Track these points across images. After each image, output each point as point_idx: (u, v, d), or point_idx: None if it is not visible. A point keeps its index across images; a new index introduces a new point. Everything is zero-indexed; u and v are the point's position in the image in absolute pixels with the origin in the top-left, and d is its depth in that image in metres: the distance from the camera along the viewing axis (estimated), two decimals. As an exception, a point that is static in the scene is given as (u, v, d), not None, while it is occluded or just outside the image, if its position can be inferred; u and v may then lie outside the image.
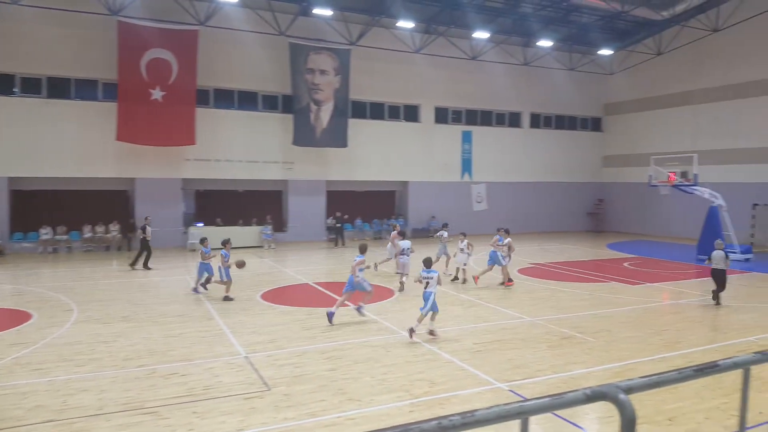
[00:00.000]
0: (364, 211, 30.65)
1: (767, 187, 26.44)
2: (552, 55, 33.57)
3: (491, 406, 1.99)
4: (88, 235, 24.35)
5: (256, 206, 27.81)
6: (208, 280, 14.78)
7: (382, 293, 15.18)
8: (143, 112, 24.18)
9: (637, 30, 32.09)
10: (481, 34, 29.09)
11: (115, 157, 24.57)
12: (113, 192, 25.71)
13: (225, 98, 27.19)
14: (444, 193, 31.77)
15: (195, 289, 14.93)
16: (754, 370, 2.80)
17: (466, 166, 32.88)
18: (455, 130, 32.55)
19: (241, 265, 14.11)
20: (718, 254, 14.17)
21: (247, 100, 27.63)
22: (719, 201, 22.58)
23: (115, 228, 24.76)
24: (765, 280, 15.60)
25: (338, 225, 27.42)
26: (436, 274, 11.02)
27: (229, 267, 14.12)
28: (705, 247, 22.13)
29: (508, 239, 16.64)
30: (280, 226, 28.30)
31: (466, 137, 32.75)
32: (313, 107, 27.84)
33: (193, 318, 12.29)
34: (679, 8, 27.95)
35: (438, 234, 19.20)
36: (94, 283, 16.77)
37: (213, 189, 27.53)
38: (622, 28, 32.07)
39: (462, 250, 16.60)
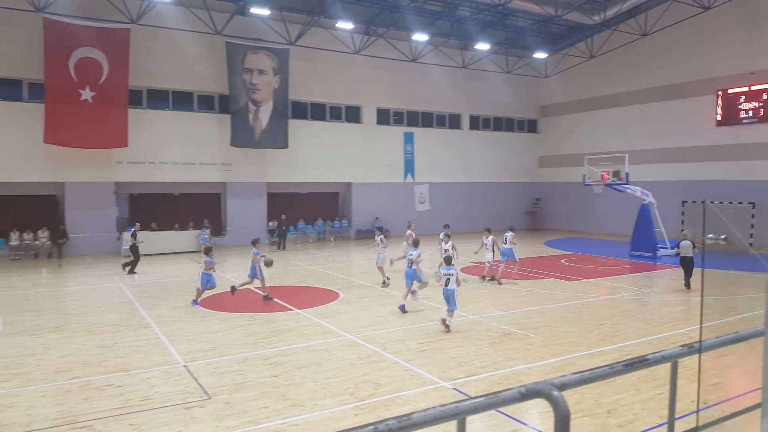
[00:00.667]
0: (307, 213, 30.40)
1: (696, 185, 27.83)
2: (489, 58, 34.30)
3: (427, 409, 1.98)
4: (15, 242, 23.06)
5: (193, 209, 27.02)
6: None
7: (325, 296, 15.07)
8: (72, 114, 23.11)
9: (570, 34, 33.21)
10: (420, 37, 29.41)
11: (42, 161, 23.37)
12: (41, 197, 24.47)
13: (159, 99, 26.28)
14: (387, 194, 31.91)
15: (195, 301, 14.07)
16: (688, 360, 2.90)
17: (409, 167, 33.13)
18: (397, 132, 32.75)
19: (269, 263, 14.48)
20: (686, 244, 15.62)
21: (182, 100, 26.82)
22: (650, 199, 23.60)
23: (44, 235, 23.58)
24: (694, 274, 16.40)
25: (282, 228, 27.08)
26: (455, 271, 11.53)
27: (259, 264, 14.30)
28: (638, 243, 23.22)
29: (491, 237, 17.38)
30: (218, 229, 27.65)
31: (408, 138, 33.01)
32: (252, 107, 27.35)
33: (129, 327, 11.81)
34: (610, 13, 29.08)
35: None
36: (23, 293, 15.97)
37: (147, 192, 26.57)
38: (556, 32, 33.12)
39: (485, 245, 17.12)
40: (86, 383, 8.33)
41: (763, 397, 2.81)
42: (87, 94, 23.53)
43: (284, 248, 26.49)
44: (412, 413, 1.94)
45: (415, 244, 14.41)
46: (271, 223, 28.13)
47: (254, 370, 8.93)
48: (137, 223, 20.92)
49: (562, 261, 22.02)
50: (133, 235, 19.62)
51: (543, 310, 13.37)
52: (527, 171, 38.00)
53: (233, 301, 14.40)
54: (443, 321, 11.35)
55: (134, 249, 19.46)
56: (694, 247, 15.64)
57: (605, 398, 7.54)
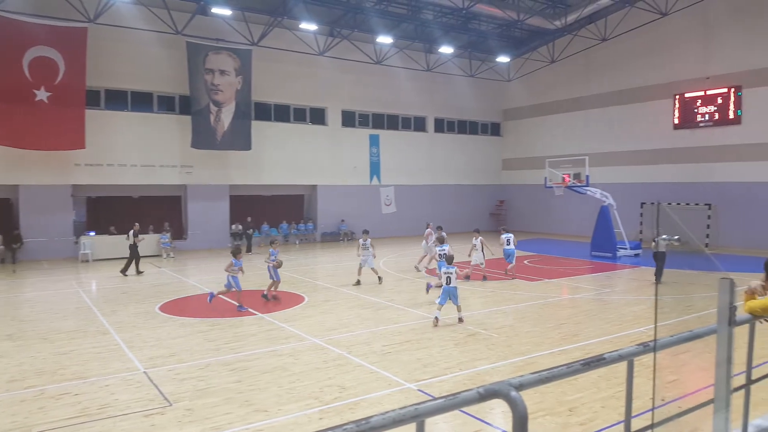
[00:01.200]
0: (271, 215, 30.09)
1: (654, 187, 28.59)
2: (453, 61, 34.61)
3: (386, 411, 1.96)
4: (-35, 248, 22.24)
5: (153, 213, 26.43)
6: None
7: (290, 300, 14.94)
8: (27, 114, 22.36)
9: (532, 38, 33.76)
10: (385, 39, 29.45)
11: (-6, 163, 22.61)
12: (-6, 201, 23.64)
13: (117, 99, 25.67)
14: (353, 197, 31.85)
15: (240, 306, 13.75)
16: (647, 358, 2.95)
17: (375, 169, 33.15)
18: (362, 134, 32.73)
19: (279, 264, 14.56)
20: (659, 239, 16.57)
21: (141, 101, 26.23)
22: (609, 200, 24.15)
23: (-4, 239, 22.80)
24: (653, 273, 16.84)
25: (247, 231, 26.74)
26: (455, 270, 12.27)
27: (276, 266, 14.39)
28: (598, 244, 23.73)
29: (480, 238, 17.92)
30: (179, 233, 27.13)
31: (374, 141, 33.03)
32: (213, 108, 26.91)
33: (87, 333, 11.48)
34: (571, 18, 29.66)
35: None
36: (-28, 301, 15.35)
37: (106, 195, 25.91)
38: (518, 36, 33.62)
39: (475, 246, 17.42)
40: (41, 392, 8.05)
41: (715, 394, 2.88)
42: (42, 95, 22.82)
43: (250, 251, 26.14)
44: (371, 417, 1.92)
45: (441, 241, 15.17)
46: (234, 226, 27.74)
47: (217, 376, 8.78)
48: (136, 223, 20.71)
49: (525, 262, 22.32)
50: (135, 234, 19.75)
51: (506, 310, 13.53)
52: (491, 173, 38.48)
53: (195, 306, 14.13)
54: (460, 320, 12.11)
55: (133, 248, 19.58)
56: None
57: (567, 396, 7.65)
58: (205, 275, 19.62)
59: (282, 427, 6.89)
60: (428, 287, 14.33)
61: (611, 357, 2.69)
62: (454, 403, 2.10)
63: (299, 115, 30.77)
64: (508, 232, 18.62)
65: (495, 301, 14.69)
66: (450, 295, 12.02)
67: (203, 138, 26.73)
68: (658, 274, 16.71)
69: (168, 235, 25.28)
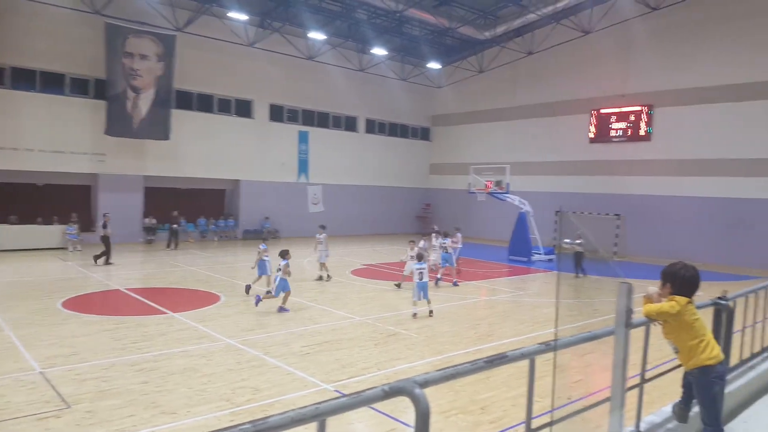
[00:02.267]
0: (189, 210, 28.75)
1: (569, 196, 29.82)
2: (386, 63, 34.80)
3: (285, 411, 1.88)
4: None
5: (60, 202, 24.74)
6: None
7: (204, 299, 14.46)
8: None
9: (462, 47, 34.47)
10: (317, 35, 29.15)
11: None
12: None
13: (25, 79, 23.75)
14: (279, 194, 31.29)
15: (281, 308, 13.11)
16: (559, 358, 3.03)
17: (303, 166, 32.74)
18: (291, 130, 32.24)
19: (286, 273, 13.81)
20: (578, 242, 19.59)
21: (52, 82, 24.41)
22: (527, 208, 25.12)
23: None
24: (565, 278, 17.62)
25: (173, 226, 25.70)
26: (426, 265, 13.22)
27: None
28: (516, 249, 24.57)
29: (448, 239, 18.26)
30: (87, 225, 25.28)
31: (303, 137, 32.61)
32: (131, 94, 25.55)
33: (-23, 330, 10.64)
34: (500, 30, 30.51)
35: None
36: None
37: (7, 182, 23.84)
38: (450, 44, 34.25)
39: (412, 257, 16.31)
40: None
41: (612, 392, 3.00)
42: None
43: (176, 247, 25.18)
44: (269, 416, 1.84)
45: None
46: (147, 220, 26.58)
47: (121, 377, 8.34)
48: (106, 213, 20.47)
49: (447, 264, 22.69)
50: (104, 226, 19.54)
51: (427, 310, 13.67)
52: (419, 177, 38.98)
53: (101, 302, 13.41)
54: (430, 313, 13.02)
55: (105, 239, 19.40)
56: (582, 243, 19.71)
57: (479, 395, 7.81)
58: (115, 270, 18.63)
59: (190, 430, 6.64)
60: (257, 300, 13.31)
61: (514, 355, 2.75)
62: (357, 401, 2.05)
63: (224, 107, 29.85)
64: (447, 236, 18.44)
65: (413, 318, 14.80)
66: (421, 290, 12.92)
67: (118, 125, 25.33)
68: (579, 271, 19.05)
69: (75, 226, 23.55)
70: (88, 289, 15.27)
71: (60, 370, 8.53)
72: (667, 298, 3.76)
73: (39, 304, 12.98)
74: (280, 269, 13.09)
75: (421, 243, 18.01)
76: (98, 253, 19.43)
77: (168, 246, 25.25)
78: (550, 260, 24.47)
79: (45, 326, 11.15)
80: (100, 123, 25.04)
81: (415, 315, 12.89)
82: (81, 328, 11.16)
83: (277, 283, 13.14)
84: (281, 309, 13.04)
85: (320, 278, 17.54)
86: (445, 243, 17.97)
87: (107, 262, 19.28)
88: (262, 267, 14.89)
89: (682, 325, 3.72)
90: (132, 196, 26.69)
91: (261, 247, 15.23)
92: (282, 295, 13.04)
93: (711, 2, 25.42)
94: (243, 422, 1.84)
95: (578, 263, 19.37)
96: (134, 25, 25.35)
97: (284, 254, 13.24)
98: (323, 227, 18.01)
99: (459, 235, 19.56)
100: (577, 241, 19.56)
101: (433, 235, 18.96)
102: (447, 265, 17.94)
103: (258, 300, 13.16)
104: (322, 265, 17.68)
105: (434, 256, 17.94)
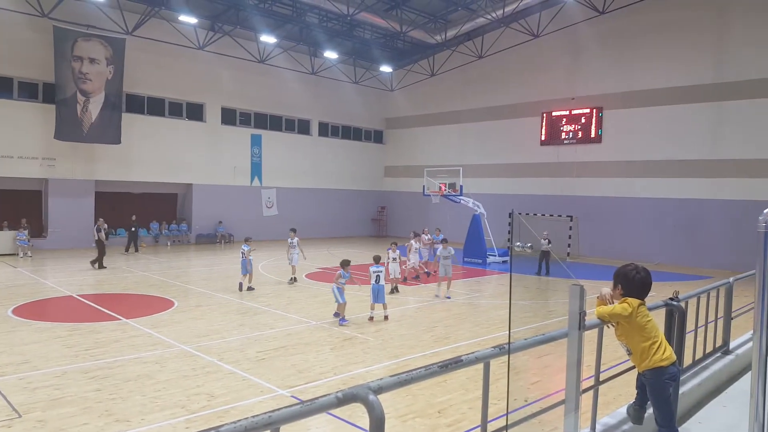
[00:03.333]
0: (141, 214, 28.04)
1: (522, 198, 30.47)
2: (338, 67, 34.78)
3: (238, 420, 1.87)
4: None
5: (10, 208, 24.26)
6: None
7: (157, 304, 14.12)
8: None
9: (413, 51, 34.76)
10: (268, 38, 28.90)
11: None
12: None
13: (-29, 83, 23.01)
14: (232, 198, 30.85)
15: (342, 319, 12.60)
16: (519, 360, 3.07)
17: (256, 170, 32.35)
18: (244, 133, 31.84)
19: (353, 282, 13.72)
20: (544, 242, 20.52)
21: (0, 86, 23.82)
22: (481, 210, 25.46)
23: None
24: (518, 279, 17.88)
25: (133, 229, 25.16)
26: (383, 269, 13.19)
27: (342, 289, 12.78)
28: (470, 250, 24.84)
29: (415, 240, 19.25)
30: (38, 230, 24.78)
31: (256, 141, 32.23)
32: (81, 98, 24.94)
33: None
34: (450, 34, 30.88)
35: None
36: None
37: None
38: (401, 48, 34.48)
39: (394, 260, 16.51)
40: None
41: (566, 395, 3.07)
42: None
43: (137, 250, 25.07)
44: (221, 425, 1.82)
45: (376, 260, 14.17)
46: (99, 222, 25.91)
47: (74, 384, 8.14)
48: (100, 218, 21.01)
49: (404, 266, 22.78)
50: (98, 230, 20.01)
51: (383, 313, 13.70)
52: (373, 179, 39.05)
53: (53, 309, 12.96)
54: (385, 317, 13.00)
55: (99, 243, 19.93)
56: (549, 243, 20.74)
57: (437, 398, 7.88)
58: (65, 276, 18.04)
59: (143, 439, 6.49)
60: (342, 321, 13.15)
61: (468, 359, 2.77)
62: (311, 408, 2.04)
63: (175, 110, 29.27)
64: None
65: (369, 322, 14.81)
66: (377, 292, 12.91)
67: (68, 129, 24.68)
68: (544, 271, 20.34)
69: (25, 232, 23.16)
70: (40, 295, 14.82)
71: (11, 379, 8.31)
72: (619, 300, 3.78)
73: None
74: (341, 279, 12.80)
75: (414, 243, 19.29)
76: (94, 259, 20.07)
77: (127, 250, 25.05)
78: (504, 262, 24.86)
79: (-9, 335, 10.72)
80: (50, 127, 24.40)
81: (371, 318, 12.93)
82: (32, 336, 10.85)
83: (336, 293, 12.74)
84: (336, 316, 12.82)
85: (293, 280, 17.87)
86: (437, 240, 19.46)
87: (101, 266, 19.77)
88: (244, 266, 16.12)
89: (635, 327, 3.72)
90: (83, 200, 26.07)
91: (244, 248, 16.28)
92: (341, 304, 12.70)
93: (656, 7, 26.21)
94: (197, 432, 1.81)
95: (546, 263, 20.49)
96: (83, 28, 24.80)
97: (345, 265, 12.96)
98: (294, 230, 18.42)
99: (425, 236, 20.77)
100: (528, 245, 19.90)
101: (413, 237, 19.67)
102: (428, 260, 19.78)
103: (342, 321, 12.58)
104: (294, 268, 18.05)
105: (414, 258, 18.89)
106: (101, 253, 19.96)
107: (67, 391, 7.86)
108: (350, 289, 16.65)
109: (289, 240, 18.08)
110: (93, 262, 19.93)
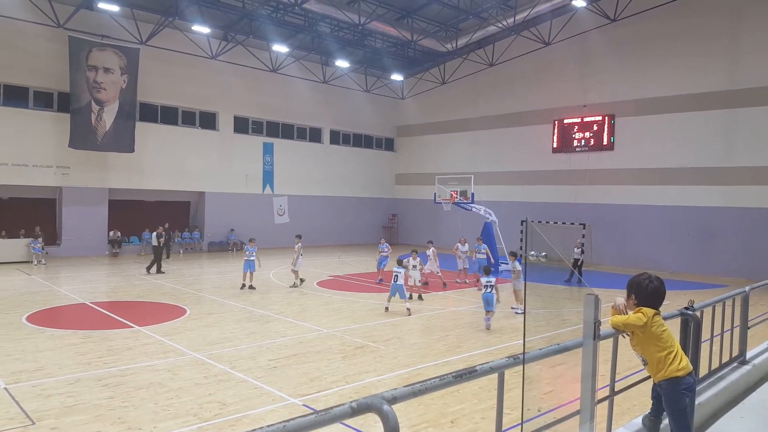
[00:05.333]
0: (154, 222, 28.22)
1: (534, 206, 30.33)
2: (349, 75, 34.92)
3: (253, 429, 1.86)
4: None
5: (25, 216, 24.49)
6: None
7: (170, 312, 14.19)
8: None
9: (424, 59, 34.84)
10: (281, 48, 29.12)
11: None
12: None
13: (-13, 93, 23.36)
14: (244, 205, 31.01)
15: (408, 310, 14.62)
16: (528, 369, 3.06)
17: (268, 178, 32.51)
18: (256, 141, 32.04)
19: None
20: (577, 251, 21.56)
21: (15, 95, 24.17)
22: (493, 217, 25.35)
23: None
24: (532, 288, 17.74)
25: (166, 237, 25.29)
26: (403, 270, 14.80)
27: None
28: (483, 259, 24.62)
29: (432, 249, 20.36)
30: (52, 238, 25.07)
31: (268, 149, 32.42)
32: (95, 107, 25.26)
33: (-68, 348, 10.23)
34: (461, 42, 30.90)
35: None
36: None
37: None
38: (412, 56, 34.57)
39: (414, 267, 16.70)
40: None
41: (581, 405, 3.04)
42: None
43: (168, 257, 25.45)
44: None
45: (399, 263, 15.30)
46: (112, 233, 26.09)
47: (87, 392, 8.16)
48: (160, 227, 22.02)
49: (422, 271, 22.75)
50: (158, 236, 21.11)
51: (394, 322, 13.67)
52: (384, 187, 39.09)
53: (67, 317, 13.07)
54: (407, 310, 14.47)
55: (156, 249, 21.17)
56: (583, 252, 21.33)
57: (449, 408, 7.82)
58: (80, 284, 18.18)
59: (156, 448, 6.49)
60: (487, 322, 13.92)
61: (483, 369, 2.75)
62: (325, 419, 2.04)
63: (188, 119, 29.55)
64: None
65: (384, 313, 14.80)
66: (397, 290, 14.39)
67: (82, 138, 24.98)
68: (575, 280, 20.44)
69: (39, 240, 23.36)
70: (54, 303, 14.96)
71: (25, 386, 8.34)
72: (633, 310, 3.74)
73: (3, 319, 12.64)
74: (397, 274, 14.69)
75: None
76: (155, 264, 21.05)
77: (168, 257, 25.50)
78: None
79: (9, 341, 10.85)
80: (65, 136, 24.69)
81: (387, 309, 14.43)
82: (46, 343, 10.91)
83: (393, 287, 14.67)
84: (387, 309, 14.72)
85: (294, 285, 18.31)
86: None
87: (159, 271, 20.85)
88: (246, 265, 17.43)
89: (650, 337, 3.69)
90: (97, 209, 26.33)
91: (247, 249, 17.61)
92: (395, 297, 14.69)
93: (667, 14, 26.04)
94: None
95: (578, 271, 20.90)
96: (97, 38, 25.14)
97: (400, 262, 15.04)
98: (299, 237, 18.75)
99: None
100: (542, 254, 19.64)
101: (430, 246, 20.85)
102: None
103: (488, 321, 13.35)
104: (296, 273, 18.48)
105: (430, 265, 19.67)
106: (156, 258, 20.99)
107: (80, 399, 7.88)
108: (362, 298, 16.64)
109: (296, 245, 18.52)
110: (148, 268, 20.86)
